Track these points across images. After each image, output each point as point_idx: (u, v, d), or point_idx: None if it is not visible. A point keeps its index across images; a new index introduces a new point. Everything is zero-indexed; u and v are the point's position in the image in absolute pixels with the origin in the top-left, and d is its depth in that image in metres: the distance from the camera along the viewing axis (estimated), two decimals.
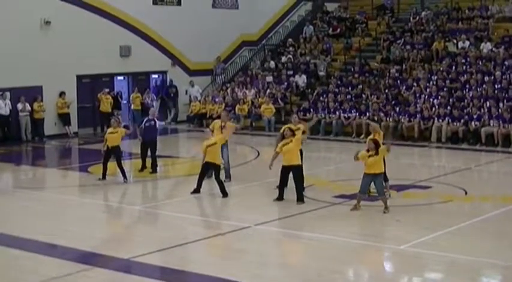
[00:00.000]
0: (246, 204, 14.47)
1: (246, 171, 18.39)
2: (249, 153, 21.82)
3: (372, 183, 13.28)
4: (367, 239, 11.84)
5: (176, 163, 20.60)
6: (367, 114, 24.22)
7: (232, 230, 12.33)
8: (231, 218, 13.35)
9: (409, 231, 12.17)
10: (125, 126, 17.88)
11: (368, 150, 13.24)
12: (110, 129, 17.05)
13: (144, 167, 17.89)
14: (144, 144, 17.85)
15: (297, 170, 14.10)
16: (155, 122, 17.92)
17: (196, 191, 15.15)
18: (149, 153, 17.90)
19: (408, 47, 27.99)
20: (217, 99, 28.31)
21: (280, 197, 14.29)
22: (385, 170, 14.17)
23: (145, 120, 18.21)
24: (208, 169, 15.12)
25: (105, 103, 26.48)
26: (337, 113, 24.99)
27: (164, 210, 14.15)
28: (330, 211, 13.76)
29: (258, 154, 21.39)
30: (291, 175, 14.25)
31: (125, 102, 28.46)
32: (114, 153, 16.79)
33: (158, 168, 18.09)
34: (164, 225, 13.22)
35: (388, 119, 23.70)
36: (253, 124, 26.83)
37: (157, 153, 18.07)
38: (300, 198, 14.09)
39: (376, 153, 13.14)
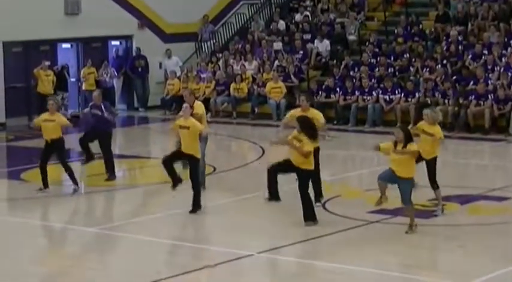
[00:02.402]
0: (244, 224, 14.46)
1: (245, 177, 18.41)
2: (250, 152, 21.86)
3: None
4: (415, 272, 11.82)
5: (146, 166, 20.59)
6: (417, 95, 24.24)
7: (226, 260, 12.31)
8: (223, 244, 13.28)
9: (476, 262, 12.17)
10: (73, 116, 17.88)
11: (396, 143, 13.24)
12: (44, 116, 16.67)
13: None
14: (87, 136, 17.83)
15: (305, 176, 14.07)
16: (103, 110, 17.66)
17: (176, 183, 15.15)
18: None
19: None
20: (204, 76, 28.34)
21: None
22: (432, 175, 14.20)
23: (90, 105, 18.24)
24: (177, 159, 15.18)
25: (45, 82, 26.43)
26: (375, 93, 25.02)
27: (128, 233, 14.14)
28: (362, 233, 13.77)
29: (263, 152, 21.35)
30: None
31: (73, 80, 28.47)
32: (55, 149, 16.61)
33: (121, 173, 18.10)
34: (128, 254, 13.21)
35: (446, 101, 23.69)
36: (256, 110, 26.86)
37: (118, 152, 18.01)
38: (310, 217, 14.08)
39: (403, 147, 13.13)
